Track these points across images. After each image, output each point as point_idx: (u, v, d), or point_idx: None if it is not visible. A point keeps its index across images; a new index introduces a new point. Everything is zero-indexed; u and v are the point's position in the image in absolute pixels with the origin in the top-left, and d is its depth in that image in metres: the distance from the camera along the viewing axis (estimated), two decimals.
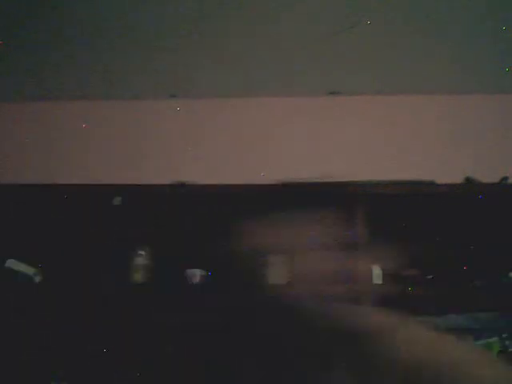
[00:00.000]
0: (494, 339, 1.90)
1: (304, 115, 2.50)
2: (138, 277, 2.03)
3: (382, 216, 2.00)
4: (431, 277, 2.03)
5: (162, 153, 2.46)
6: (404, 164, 2.37)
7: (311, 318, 1.27)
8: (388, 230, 2.04)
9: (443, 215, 2.05)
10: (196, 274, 2.03)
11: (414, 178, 2.05)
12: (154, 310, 2.04)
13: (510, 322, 1.95)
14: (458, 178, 2.05)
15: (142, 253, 2.06)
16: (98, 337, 2.05)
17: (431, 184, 2.02)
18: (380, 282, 1.97)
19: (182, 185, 2.08)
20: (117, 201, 2.01)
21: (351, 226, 1.96)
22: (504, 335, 1.92)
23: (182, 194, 2.04)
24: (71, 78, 2.44)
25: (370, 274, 1.93)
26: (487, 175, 2.04)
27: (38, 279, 2.01)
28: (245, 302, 1.98)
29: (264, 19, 2.09)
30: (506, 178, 2.07)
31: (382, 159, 2.39)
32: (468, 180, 2.05)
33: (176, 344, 2.05)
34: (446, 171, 2.20)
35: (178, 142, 2.48)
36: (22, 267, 2.02)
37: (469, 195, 1.97)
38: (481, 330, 1.94)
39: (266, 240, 2.07)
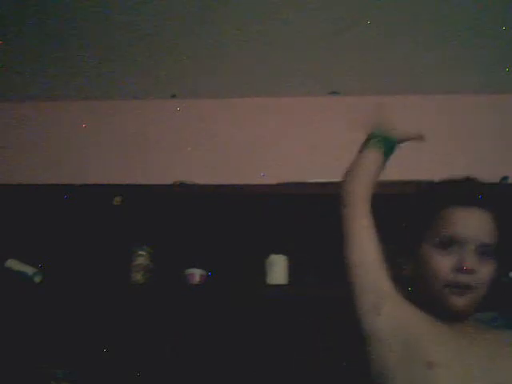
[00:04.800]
0: None
1: (304, 115, 2.50)
2: (138, 277, 2.03)
3: (381, 216, 2.00)
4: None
5: (162, 153, 2.46)
6: (404, 164, 2.36)
7: None
8: (388, 230, 2.04)
9: None
10: (196, 274, 2.03)
11: (414, 178, 2.05)
12: (153, 310, 2.04)
13: (510, 322, 1.95)
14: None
15: (142, 253, 2.06)
16: (98, 337, 2.05)
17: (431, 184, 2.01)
18: None
19: (182, 185, 2.08)
20: (117, 201, 2.01)
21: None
22: None
23: (182, 193, 2.04)
24: (71, 78, 2.44)
25: None
26: (487, 175, 2.04)
27: (38, 279, 2.01)
28: (245, 302, 1.98)
29: (264, 19, 2.09)
30: (506, 178, 2.07)
31: None
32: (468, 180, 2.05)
33: (176, 344, 2.05)
34: (446, 171, 2.20)
35: (178, 142, 2.48)
36: (22, 267, 2.02)
37: None
38: None
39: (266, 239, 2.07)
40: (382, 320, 1.22)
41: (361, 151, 1.44)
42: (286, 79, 2.42)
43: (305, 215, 2.05)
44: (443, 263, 1.24)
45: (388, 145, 1.43)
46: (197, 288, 2.01)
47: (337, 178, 2.08)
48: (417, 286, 1.31)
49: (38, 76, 2.43)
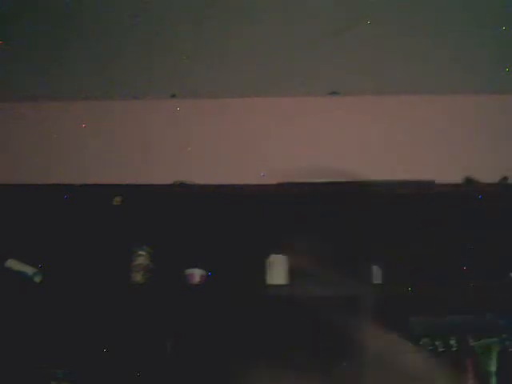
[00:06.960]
0: (494, 339, 1.90)
1: (304, 115, 2.50)
2: (138, 277, 2.03)
3: (382, 216, 2.00)
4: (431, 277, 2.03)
5: (162, 153, 2.46)
6: (404, 164, 2.36)
7: None
8: (388, 230, 2.04)
9: (443, 215, 2.05)
10: (196, 274, 2.03)
11: (414, 178, 2.05)
12: (153, 310, 2.04)
13: (510, 322, 1.95)
14: (458, 178, 2.05)
15: (142, 253, 2.06)
16: (98, 337, 2.05)
17: (431, 184, 2.02)
18: (380, 281, 1.97)
19: (182, 185, 2.08)
20: (117, 201, 2.01)
21: (351, 226, 1.96)
22: (504, 335, 1.92)
23: (182, 193, 2.04)
24: (71, 78, 2.44)
25: (370, 274, 1.93)
26: (487, 175, 2.04)
27: (38, 279, 2.01)
28: (245, 302, 1.98)
29: (264, 19, 2.09)
30: (506, 178, 2.08)
31: (382, 159, 2.39)
32: (468, 180, 2.05)
33: (176, 344, 2.05)
34: (445, 171, 2.20)
35: (177, 142, 2.48)
36: (22, 267, 2.02)
37: (469, 195, 1.97)
38: (481, 329, 1.94)
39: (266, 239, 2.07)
40: None
41: None
42: (286, 79, 2.42)
43: (305, 215, 2.05)
44: None
45: None
46: (197, 288, 2.01)
47: (337, 178, 2.09)
48: None
49: (38, 76, 2.43)
